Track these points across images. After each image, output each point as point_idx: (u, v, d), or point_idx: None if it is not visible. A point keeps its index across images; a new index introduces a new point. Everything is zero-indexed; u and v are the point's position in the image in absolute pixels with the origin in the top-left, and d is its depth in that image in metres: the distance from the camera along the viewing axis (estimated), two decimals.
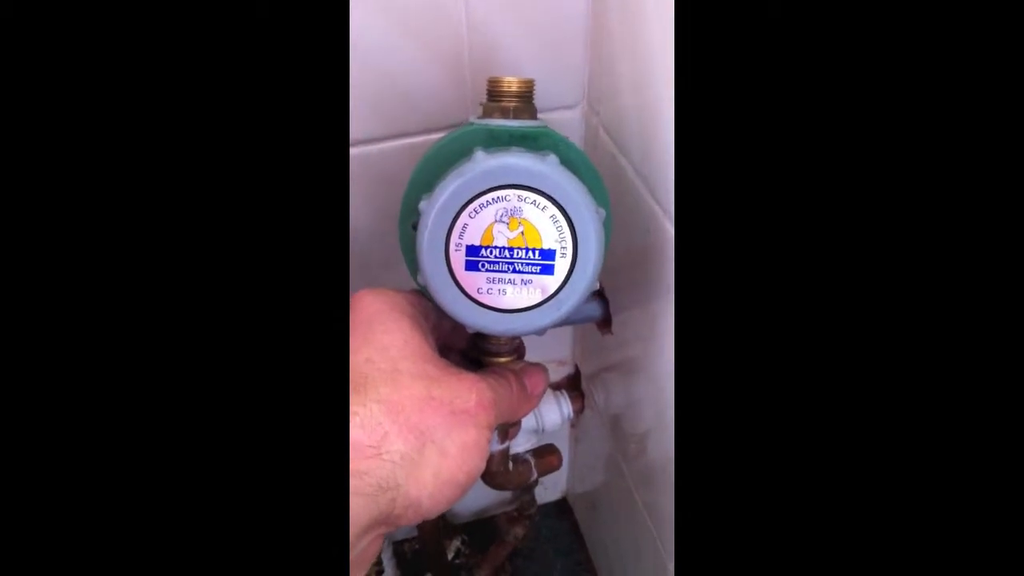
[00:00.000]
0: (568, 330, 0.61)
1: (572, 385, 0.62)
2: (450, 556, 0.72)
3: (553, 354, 0.62)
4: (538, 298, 0.30)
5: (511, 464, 0.47)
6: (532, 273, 0.30)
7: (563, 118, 0.45)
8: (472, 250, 0.29)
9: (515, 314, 0.30)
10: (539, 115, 0.34)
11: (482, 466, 0.30)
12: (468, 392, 0.29)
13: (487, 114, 0.32)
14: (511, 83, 0.32)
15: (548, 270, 0.30)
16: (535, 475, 0.52)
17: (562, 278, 0.30)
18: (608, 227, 0.32)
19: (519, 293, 0.30)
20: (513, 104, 0.32)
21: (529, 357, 0.38)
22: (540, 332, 0.32)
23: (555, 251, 0.29)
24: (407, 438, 0.27)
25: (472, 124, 0.31)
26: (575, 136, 0.47)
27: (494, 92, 0.33)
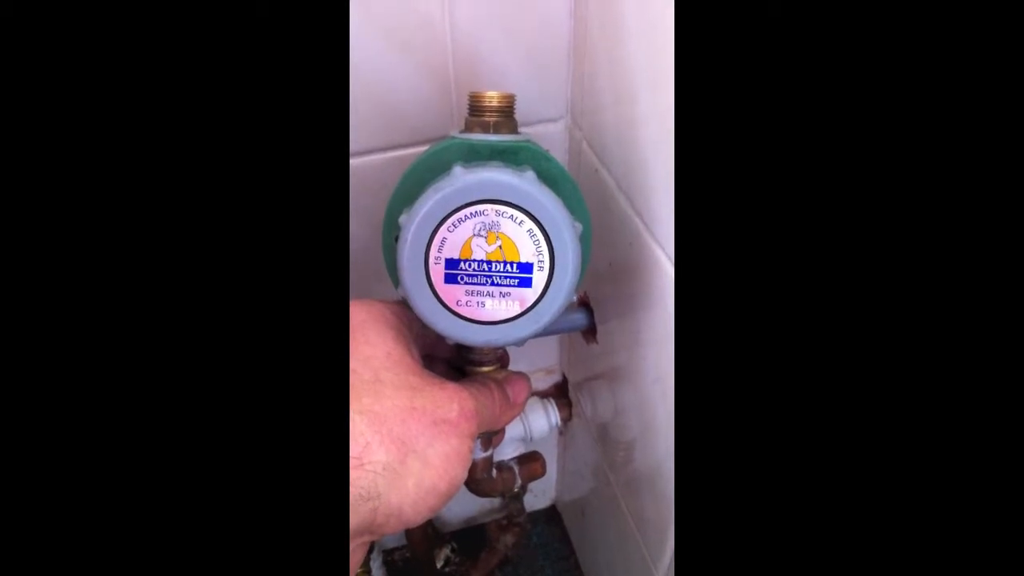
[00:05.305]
0: (555, 339, 0.61)
1: (559, 393, 0.63)
2: (440, 564, 0.72)
3: (540, 362, 0.62)
4: (516, 310, 0.31)
5: (495, 471, 0.47)
6: (510, 286, 0.30)
7: (547, 131, 0.46)
8: (451, 263, 0.30)
9: (494, 326, 0.31)
10: (523, 128, 0.34)
11: (464, 475, 0.30)
12: (450, 402, 0.30)
13: (468, 128, 0.33)
14: (492, 98, 0.33)
15: (526, 283, 0.30)
16: (519, 482, 0.52)
17: (540, 291, 0.30)
18: (587, 240, 0.32)
19: (498, 305, 0.31)
20: (494, 119, 0.33)
21: (516, 365, 0.38)
22: (519, 343, 0.32)
23: (533, 264, 0.30)
24: (389, 448, 0.28)
25: (454, 138, 0.32)
26: (559, 150, 0.47)
27: (475, 107, 0.33)
